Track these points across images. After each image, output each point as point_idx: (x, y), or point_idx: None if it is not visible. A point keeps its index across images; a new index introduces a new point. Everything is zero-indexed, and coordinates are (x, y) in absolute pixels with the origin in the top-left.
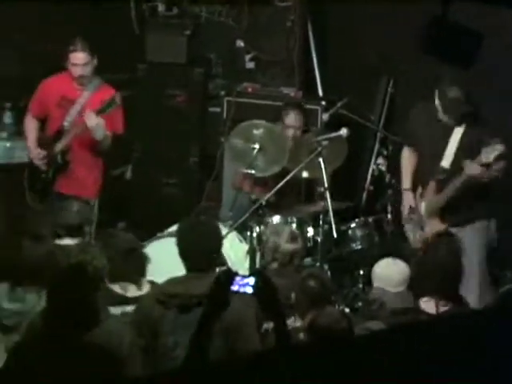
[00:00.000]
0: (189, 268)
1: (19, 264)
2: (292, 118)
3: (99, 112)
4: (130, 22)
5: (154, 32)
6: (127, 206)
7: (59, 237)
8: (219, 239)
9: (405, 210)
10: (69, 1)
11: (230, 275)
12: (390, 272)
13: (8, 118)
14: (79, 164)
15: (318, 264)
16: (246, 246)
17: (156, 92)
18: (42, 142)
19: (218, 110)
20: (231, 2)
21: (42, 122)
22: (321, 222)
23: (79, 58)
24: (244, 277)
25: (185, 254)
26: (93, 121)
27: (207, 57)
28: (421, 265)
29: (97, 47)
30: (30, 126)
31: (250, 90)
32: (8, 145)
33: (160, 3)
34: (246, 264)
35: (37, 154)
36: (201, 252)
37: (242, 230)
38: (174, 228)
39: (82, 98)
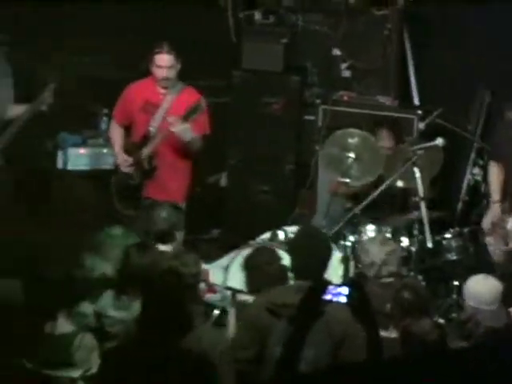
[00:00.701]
0: (299, 277)
1: (124, 272)
2: (385, 139)
3: (185, 118)
4: (228, 29)
5: (251, 40)
6: (221, 213)
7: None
8: (330, 249)
9: (487, 223)
10: (168, 8)
11: (324, 284)
12: (482, 290)
13: (104, 124)
14: (167, 169)
15: (412, 274)
16: (339, 255)
17: (252, 99)
18: (129, 148)
19: (313, 118)
20: (328, 11)
21: (127, 128)
22: (415, 232)
23: (164, 60)
24: (337, 286)
25: (297, 262)
26: (178, 127)
27: (303, 65)
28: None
29: (194, 54)
30: (116, 132)
31: (345, 98)
32: (105, 151)
33: (257, 12)
34: (340, 273)
35: (124, 161)
36: (313, 261)
37: (336, 238)
38: (267, 235)
39: (166, 103)
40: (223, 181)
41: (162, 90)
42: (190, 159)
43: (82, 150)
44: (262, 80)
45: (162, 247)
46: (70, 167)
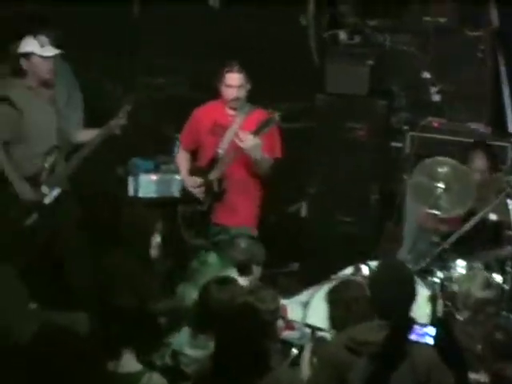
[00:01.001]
0: (382, 315)
1: (201, 309)
2: (479, 162)
3: (256, 132)
4: (310, 50)
5: (335, 61)
6: (301, 245)
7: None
8: (414, 285)
9: None
10: (246, 28)
11: (409, 323)
12: None
13: (178, 148)
14: (237, 191)
15: (505, 314)
16: (426, 292)
17: (335, 124)
18: (196, 173)
19: (400, 145)
20: (417, 31)
21: (194, 153)
22: (508, 269)
23: (234, 79)
24: (424, 326)
25: (377, 300)
26: (249, 142)
27: (390, 88)
28: None
29: (273, 75)
30: (182, 158)
31: (435, 124)
32: (177, 177)
33: (342, 31)
34: (427, 311)
35: (193, 183)
36: (397, 299)
37: (423, 274)
38: (349, 270)
39: (236, 124)
40: (303, 210)
41: (231, 112)
42: (260, 182)
43: (154, 177)
44: (347, 104)
45: (239, 281)
46: (141, 194)
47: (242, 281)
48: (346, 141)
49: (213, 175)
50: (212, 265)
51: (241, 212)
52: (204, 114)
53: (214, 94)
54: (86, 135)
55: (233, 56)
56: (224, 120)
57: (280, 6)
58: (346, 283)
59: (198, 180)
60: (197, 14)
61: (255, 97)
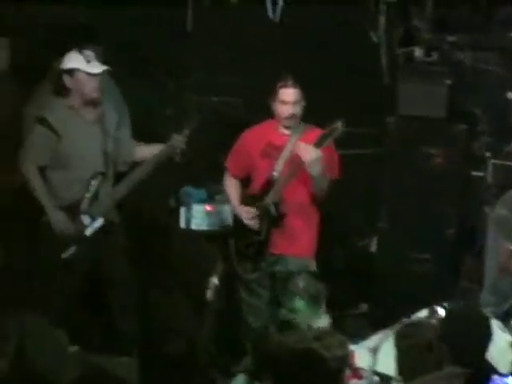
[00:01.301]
0: (455, 362)
1: (259, 354)
2: None
3: (318, 144)
4: (380, 69)
5: (409, 80)
6: (371, 285)
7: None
8: (491, 331)
9: None
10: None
11: (488, 372)
12: None
13: None
14: (296, 215)
15: None
16: (509, 338)
17: (408, 150)
18: (249, 200)
19: (481, 174)
20: (501, 47)
21: (244, 179)
22: None
23: (289, 95)
24: (505, 375)
25: (451, 345)
26: (310, 154)
27: (471, 110)
28: None
29: (338, 96)
30: (232, 184)
31: None
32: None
33: (417, 48)
34: (509, 359)
35: (246, 211)
36: (469, 345)
37: (506, 317)
38: (424, 313)
39: (291, 144)
40: (373, 245)
41: (286, 131)
42: (317, 204)
43: (208, 207)
44: (422, 128)
45: None
46: (193, 226)
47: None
48: (421, 169)
49: (269, 199)
50: (301, 312)
51: (300, 239)
52: (255, 136)
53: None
54: (144, 150)
55: (293, 74)
56: (278, 140)
57: (348, 21)
58: (417, 327)
59: (252, 210)
60: (254, 28)
61: (317, 119)
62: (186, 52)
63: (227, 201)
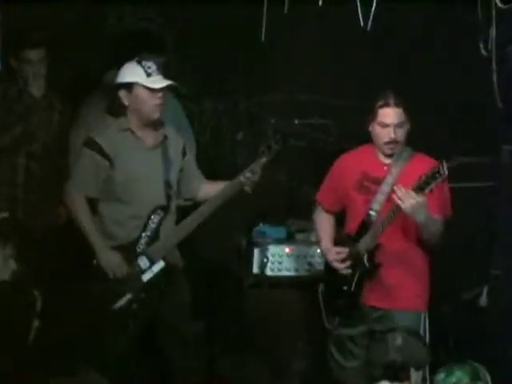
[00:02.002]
0: None
1: None
2: None
3: (419, 188)
4: (492, 89)
5: None
6: (481, 343)
7: (372, 380)
8: None
9: None
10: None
11: None
12: None
13: None
14: (395, 267)
15: None
16: None
17: None
18: (341, 242)
19: None
20: None
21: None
22: None
23: (391, 116)
24: None
25: None
26: (410, 201)
27: None
28: None
29: (446, 121)
30: (324, 221)
31: None
32: (318, 250)
33: None
34: None
35: (336, 255)
36: None
37: None
38: None
39: (391, 176)
40: (483, 298)
41: (386, 160)
42: (427, 253)
43: (287, 249)
44: None
45: None
46: (269, 272)
47: None
48: None
49: (362, 245)
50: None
51: (401, 295)
52: (350, 164)
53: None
54: (211, 188)
55: (391, 93)
56: (376, 171)
57: (453, 31)
58: None
59: (344, 250)
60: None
61: (421, 149)
62: (262, 66)
63: (314, 242)
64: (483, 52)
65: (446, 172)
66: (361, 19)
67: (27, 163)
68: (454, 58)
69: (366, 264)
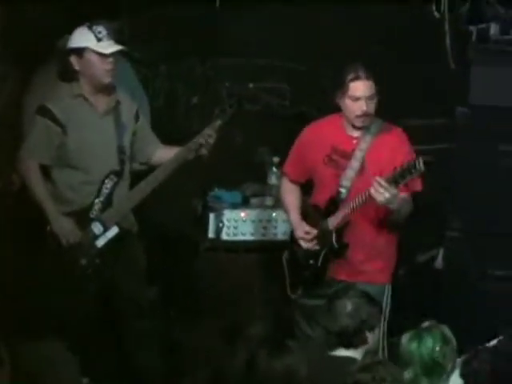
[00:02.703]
0: None
1: None
2: None
3: (393, 181)
4: (444, 51)
5: (483, 64)
6: (436, 306)
7: (330, 347)
8: None
9: None
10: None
11: None
12: None
13: (275, 176)
14: (363, 246)
15: None
16: None
17: (483, 147)
18: (309, 215)
19: None
20: None
21: (304, 185)
22: None
23: (362, 89)
24: None
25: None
26: (383, 193)
27: None
28: None
29: (400, 84)
30: (290, 193)
31: None
32: (274, 215)
33: (492, 24)
34: None
35: (303, 233)
36: None
37: None
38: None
39: (360, 151)
40: (439, 261)
41: (355, 133)
42: (395, 231)
43: (243, 213)
44: (499, 120)
45: (346, 352)
46: (225, 237)
47: (351, 353)
48: (499, 168)
49: (331, 223)
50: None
51: (368, 270)
52: (317, 136)
53: (327, 110)
54: (167, 153)
55: (351, 59)
56: (345, 144)
57: None
58: (483, 352)
59: (313, 230)
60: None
61: (376, 112)
62: (217, 30)
63: (270, 206)
64: (435, 14)
65: (423, 167)
66: None
67: None
68: (407, 19)
69: (335, 244)
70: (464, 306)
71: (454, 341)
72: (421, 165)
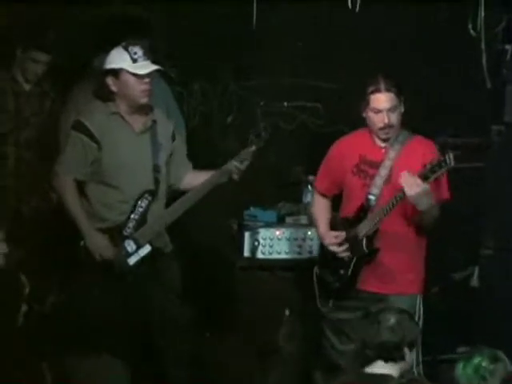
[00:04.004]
0: None
1: None
2: None
3: (423, 176)
4: (480, 69)
5: None
6: (471, 325)
7: (367, 362)
8: None
9: None
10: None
11: None
12: None
13: (310, 195)
14: (393, 253)
15: None
16: None
17: None
18: (339, 226)
19: None
20: None
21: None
22: None
23: (383, 101)
24: None
25: None
26: (415, 188)
27: None
28: None
29: (435, 102)
30: (320, 206)
31: None
32: (310, 233)
33: None
34: None
35: (333, 239)
36: None
37: None
38: None
39: (389, 160)
40: (475, 279)
41: (382, 144)
42: (423, 237)
43: (278, 232)
44: None
45: (383, 368)
46: (260, 255)
47: (388, 369)
48: None
49: (361, 230)
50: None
51: (400, 279)
52: (347, 148)
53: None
54: (196, 179)
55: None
56: (374, 154)
57: (441, 13)
58: None
59: (341, 235)
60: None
61: (411, 129)
62: (251, 48)
63: (305, 224)
64: (472, 32)
65: (453, 162)
66: (349, 2)
67: (18, 151)
68: (444, 38)
69: (365, 249)
70: (499, 324)
71: (506, 362)
72: (451, 159)
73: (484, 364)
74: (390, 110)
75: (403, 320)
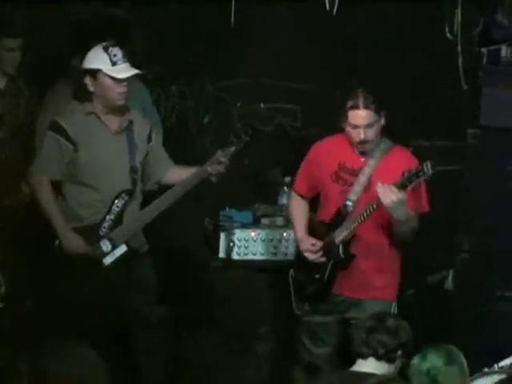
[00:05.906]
0: None
1: None
2: None
3: (401, 185)
4: (456, 72)
5: (493, 86)
6: (446, 326)
7: (351, 362)
8: None
9: None
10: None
11: None
12: None
13: (286, 196)
14: (369, 259)
15: None
16: None
17: (492, 168)
18: (316, 229)
19: None
20: None
21: (312, 202)
22: None
23: (360, 118)
24: None
25: None
26: (390, 196)
27: None
28: None
29: (411, 106)
30: (298, 208)
31: None
32: (285, 234)
33: (504, 46)
34: None
35: (309, 246)
36: None
37: None
38: (507, 362)
39: (369, 168)
40: (449, 282)
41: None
42: (401, 247)
43: (253, 233)
44: (508, 141)
45: (367, 368)
46: (235, 256)
47: (376, 368)
48: (509, 189)
49: (337, 236)
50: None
51: (373, 284)
52: (326, 153)
53: (338, 131)
54: (172, 176)
55: (358, 81)
56: (353, 162)
57: (417, 16)
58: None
59: (318, 243)
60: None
61: (388, 132)
62: (229, 51)
63: (281, 225)
64: (448, 35)
65: (430, 171)
66: (327, 4)
67: None
68: (420, 40)
69: (341, 255)
70: (474, 328)
71: (462, 363)
72: (429, 168)
73: (439, 364)
74: (368, 126)
75: (400, 324)
